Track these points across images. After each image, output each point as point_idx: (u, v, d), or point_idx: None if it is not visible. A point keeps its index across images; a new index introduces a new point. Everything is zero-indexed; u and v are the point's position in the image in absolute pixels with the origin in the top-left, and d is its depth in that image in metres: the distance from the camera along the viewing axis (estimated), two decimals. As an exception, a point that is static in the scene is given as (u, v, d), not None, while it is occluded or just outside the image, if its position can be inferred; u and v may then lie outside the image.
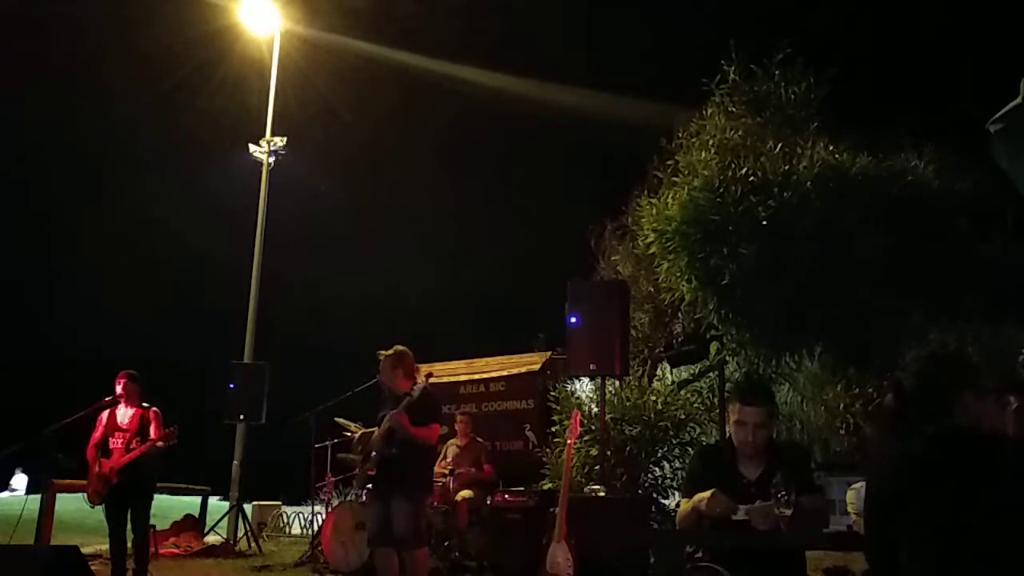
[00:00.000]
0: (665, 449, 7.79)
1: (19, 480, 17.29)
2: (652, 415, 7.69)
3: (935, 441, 2.27)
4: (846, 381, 8.52)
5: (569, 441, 5.82)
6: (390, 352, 5.46)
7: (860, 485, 4.00)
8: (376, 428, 5.50)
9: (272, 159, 13.01)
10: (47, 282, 24.68)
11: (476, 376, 10.03)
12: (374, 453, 5.31)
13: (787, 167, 7.68)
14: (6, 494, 16.59)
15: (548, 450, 8.21)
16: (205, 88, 15.56)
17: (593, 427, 7.40)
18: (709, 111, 8.61)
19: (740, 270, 7.44)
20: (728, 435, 3.36)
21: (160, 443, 6.06)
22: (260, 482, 11.60)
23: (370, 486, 5.61)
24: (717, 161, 7.90)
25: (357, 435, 6.16)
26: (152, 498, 6.40)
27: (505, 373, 9.88)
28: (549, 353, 9.83)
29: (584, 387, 8.92)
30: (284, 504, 12.00)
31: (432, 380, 5.38)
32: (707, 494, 3.06)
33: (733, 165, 7.78)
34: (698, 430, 8.06)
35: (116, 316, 22.69)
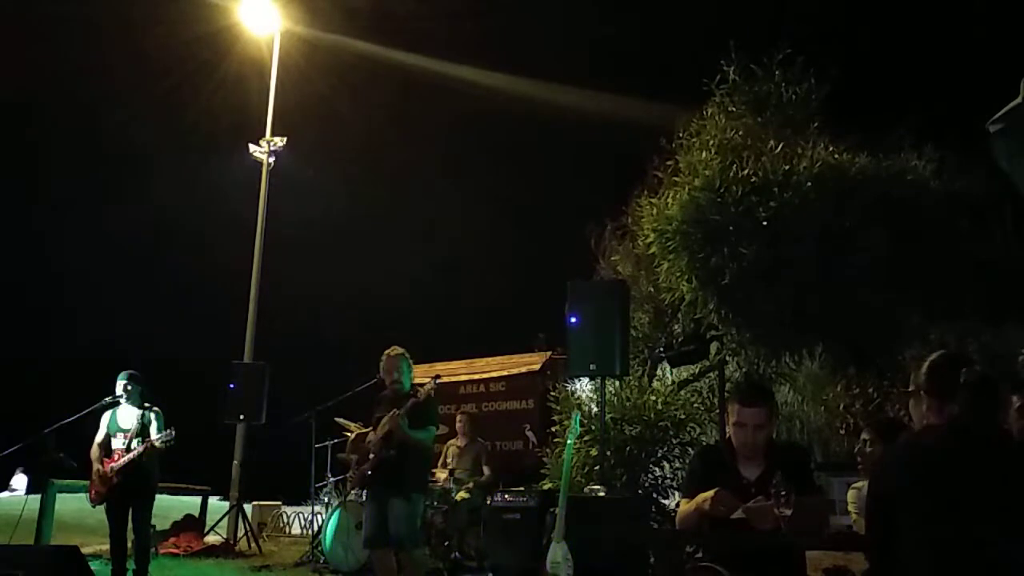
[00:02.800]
0: (665, 449, 7.78)
1: (19, 480, 17.21)
2: (652, 415, 7.68)
3: (939, 439, 2.27)
4: (846, 381, 8.52)
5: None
6: (391, 352, 5.48)
7: (860, 485, 4.01)
8: (371, 429, 5.50)
9: (272, 159, 13.01)
10: (47, 282, 24.66)
11: (476, 376, 10.03)
12: (371, 455, 5.32)
13: (787, 167, 7.66)
14: (6, 494, 16.52)
15: (548, 450, 8.21)
16: (205, 88, 15.56)
17: (593, 427, 7.39)
18: (709, 111, 8.60)
19: (740, 270, 7.42)
20: (728, 435, 3.36)
21: (158, 444, 6.07)
22: (260, 482, 11.59)
23: (365, 487, 5.62)
24: (718, 161, 7.89)
25: (352, 437, 6.18)
26: (153, 498, 6.41)
27: (505, 373, 9.88)
28: (549, 353, 9.84)
29: (584, 387, 8.91)
30: (284, 504, 11.99)
31: (439, 382, 5.41)
32: (709, 494, 3.06)
33: (734, 165, 7.77)
34: (698, 430, 8.05)
35: (116, 316, 22.68)
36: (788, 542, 2.98)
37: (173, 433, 6.09)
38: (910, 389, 2.46)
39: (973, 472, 2.17)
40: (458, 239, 24.50)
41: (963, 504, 2.13)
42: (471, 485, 7.74)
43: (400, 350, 5.49)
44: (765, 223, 7.41)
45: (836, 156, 7.81)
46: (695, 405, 8.18)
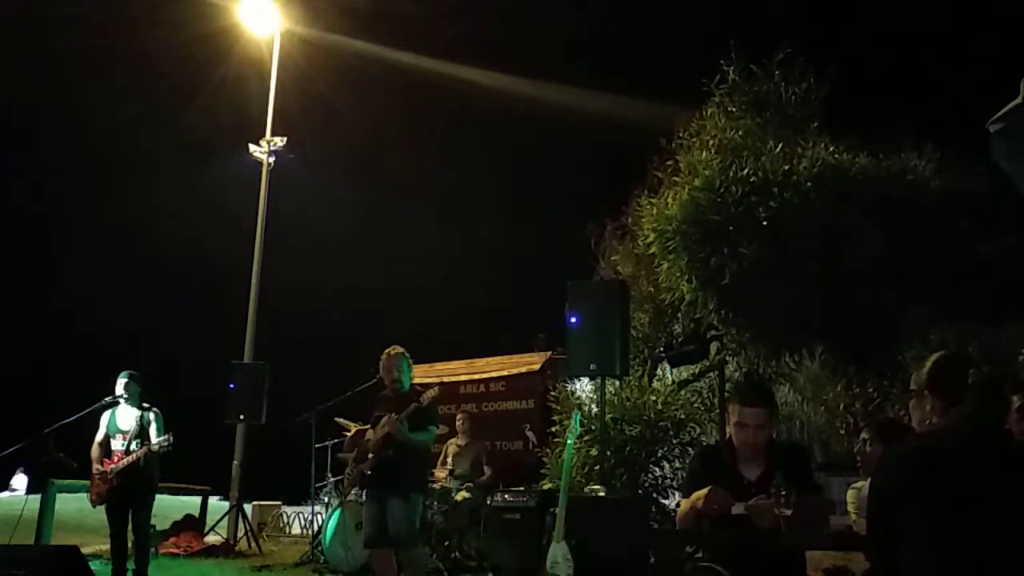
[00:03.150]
0: (665, 449, 7.78)
1: (19, 480, 17.22)
2: (652, 415, 7.69)
3: (944, 439, 2.27)
4: (846, 381, 8.51)
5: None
6: (391, 351, 5.49)
7: (860, 485, 4.01)
8: (370, 428, 5.51)
9: (272, 159, 13.01)
10: (47, 282, 24.66)
11: (476, 376, 10.04)
12: (371, 455, 5.32)
13: (787, 167, 7.67)
14: (6, 494, 16.54)
15: (548, 450, 8.22)
16: (205, 88, 15.55)
17: (593, 427, 7.39)
18: (709, 111, 8.60)
19: (740, 270, 7.42)
20: (728, 435, 3.36)
21: (155, 450, 6.07)
22: (260, 482, 11.60)
23: (364, 487, 5.62)
24: (718, 161, 7.89)
25: (351, 434, 6.18)
26: (153, 499, 6.41)
27: (505, 373, 9.89)
28: (549, 353, 9.83)
29: (584, 387, 8.91)
30: (284, 504, 12.00)
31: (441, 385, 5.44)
32: (703, 491, 3.06)
33: (734, 165, 7.77)
34: (698, 430, 8.05)
35: (116, 316, 22.68)
36: (788, 542, 2.98)
37: (171, 439, 6.07)
38: (912, 390, 2.46)
39: (974, 473, 2.17)
40: (458, 239, 24.51)
41: (964, 504, 2.13)
42: (471, 485, 7.74)
43: (400, 349, 5.51)
44: (765, 223, 7.41)
45: (836, 156, 7.82)
46: (695, 405, 8.18)
